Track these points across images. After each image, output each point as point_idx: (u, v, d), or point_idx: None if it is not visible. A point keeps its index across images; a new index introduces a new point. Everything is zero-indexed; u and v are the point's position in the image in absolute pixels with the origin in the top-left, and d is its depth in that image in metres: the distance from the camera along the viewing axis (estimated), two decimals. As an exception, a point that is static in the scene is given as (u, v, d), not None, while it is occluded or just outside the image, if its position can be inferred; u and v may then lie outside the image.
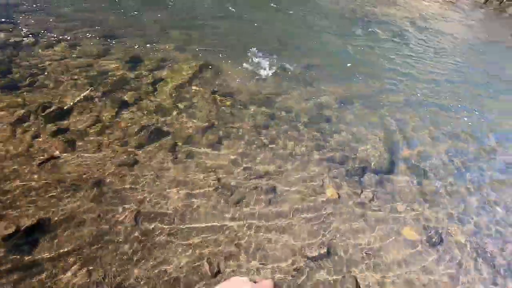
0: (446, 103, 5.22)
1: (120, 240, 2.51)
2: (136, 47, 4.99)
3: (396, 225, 3.07)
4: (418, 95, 5.28)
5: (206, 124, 3.81)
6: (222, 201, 2.98)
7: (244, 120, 4.01)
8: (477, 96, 5.70)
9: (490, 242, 3.10)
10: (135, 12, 6.07)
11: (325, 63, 5.60)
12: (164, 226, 2.67)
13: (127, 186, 2.93)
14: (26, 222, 2.45)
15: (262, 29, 6.40)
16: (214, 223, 2.78)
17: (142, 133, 3.51)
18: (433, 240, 2.96)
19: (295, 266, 2.59)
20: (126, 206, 2.76)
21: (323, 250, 2.72)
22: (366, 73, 5.59)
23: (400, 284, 2.61)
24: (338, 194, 3.26)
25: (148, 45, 5.09)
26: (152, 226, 2.65)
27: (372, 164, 3.69)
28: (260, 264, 2.56)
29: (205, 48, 5.33)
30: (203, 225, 2.76)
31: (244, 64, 5.09)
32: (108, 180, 2.93)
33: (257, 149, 3.63)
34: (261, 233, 2.78)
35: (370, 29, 7.32)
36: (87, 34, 5.06)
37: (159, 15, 6.11)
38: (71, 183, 2.83)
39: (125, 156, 3.20)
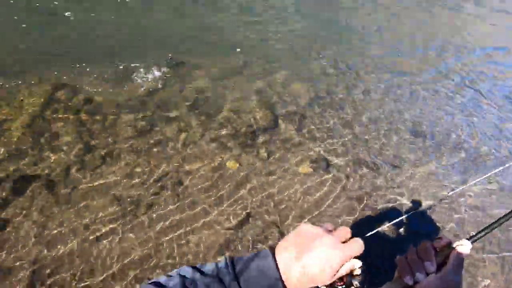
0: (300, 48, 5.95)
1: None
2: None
3: (292, 167, 3.49)
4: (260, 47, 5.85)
5: (81, 150, 3.40)
6: (131, 219, 2.80)
7: (122, 131, 3.73)
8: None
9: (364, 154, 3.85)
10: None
11: (182, 50, 5.58)
12: (69, 272, 2.38)
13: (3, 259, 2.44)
14: None
15: (100, 23, 5.86)
16: (132, 243, 2.62)
17: (3, 185, 2.91)
18: (323, 167, 3.51)
19: (223, 240, 2.71)
20: (15, 277, 2.32)
21: (243, 216, 2.91)
22: (228, 44, 5.83)
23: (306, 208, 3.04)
24: (239, 162, 3.46)
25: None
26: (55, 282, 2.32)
27: (258, 125, 4.01)
28: (192, 247, 2.58)
29: (42, 63, 4.57)
30: (109, 249, 2.56)
31: (97, 70, 4.62)
32: (-24, 259, 2.37)
33: (148, 153, 3.48)
34: (181, 232, 2.77)
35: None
36: None
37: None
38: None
39: (-12, 223, 2.62)
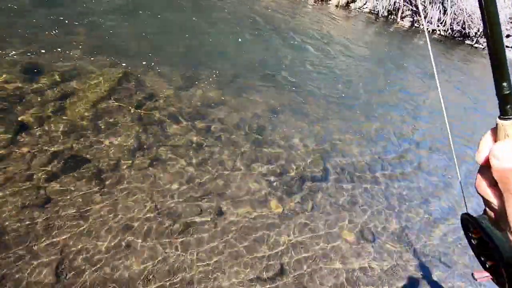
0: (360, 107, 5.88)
1: (37, 305, 2.00)
2: (31, 53, 4.12)
3: (336, 229, 3.27)
4: (336, 100, 5.80)
5: (134, 145, 3.39)
6: (164, 232, 2.68)
7: (176, 137, 3.71)
8: (380, 102, 6.60)
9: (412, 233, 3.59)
10: (25, 9, 5.02)
11: (251, 72, 5.66)
12: (94, 273, 2.25)
13: (39, 233, 2.36)
14: None
15: (182, 32, 6.09)
16: (157, 257, 2.47)
17: (54, 162, 2.90)
18: (368, 238, 3.27)
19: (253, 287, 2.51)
20: (42, 259, 2.22)
21: (277, 269, 2.71)
22: (287, 81, 5.86)
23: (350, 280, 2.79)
24: (282, 206, 3.30)
25: (48, 51, 4.26)
26: (78, 279, 2.20)
27: (308, 173, 3.87)
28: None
29: (120, 55, 4.75)
30: (144, 265, 2.42)
31: (170, 73, 4.73)
32: (11, 229, 2.31)
33: (194, 168, 3.40)
34: (211, 266, 2.60)
35: (283, 38, 7.74)
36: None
37: (57, 13, 5.19)
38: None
39: (32, 195, 2.58)
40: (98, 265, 2.31)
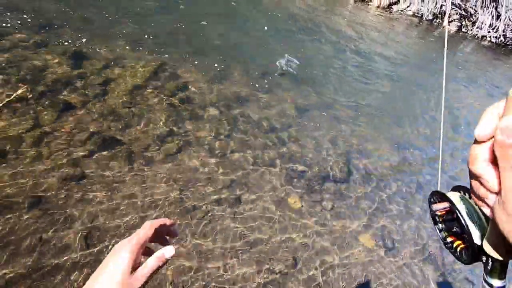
0: (388, 112, 5.68)
1: (67, 268, 2.20)
2: (80, 41, 4.47)
3: (354, 233, 3.22)
4: (366, 104, 5.65)
5: (164, 131, 3.57)
6: (185, 216, 2.81)
7: (205, 127, 3.85)
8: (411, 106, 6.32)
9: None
10: (76, 1, 5.44)
11: (283, 71, 5.67)
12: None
13: (73, 204, 2.59)
14: None
15: (218, 29, 6.24)
16: (175, 243, 2.60)
17: (91, 141, 3.15)
18: (387, 245, 3.18)
19: (263, 280, 2.56)
20: (73, 226, 2.43)
21: (290, 262, 2.73)
22: (319, 81, 5.81)
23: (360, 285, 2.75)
24: (301, 203, 3.31)
25: (94, 39, 4.59)
26: (103, 250, 2.38)
27: (331, 173, 3.83)
28: (232, 283, 2.47)
29: (161, 46, 5.00)
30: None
31: (203, 67, 4.89)
32: (49, 198, 2.55)
33: (219, 159, 3.51)
34: (229, 251, 2.68)
35: (320, 38, 7.64)
36: (19, 22, 4.37)
37: (107, 6, 5.57)
38: (2, 205, 2.40)
39: (70, 169, 2.82)
40: (122, 239, 2.48)
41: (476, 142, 0.39)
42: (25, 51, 3.93)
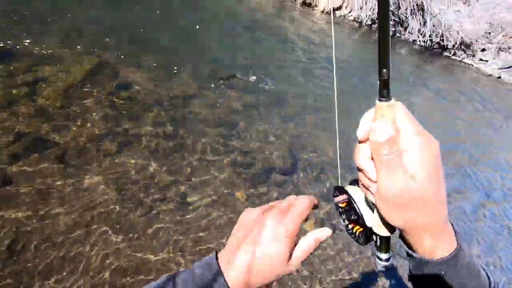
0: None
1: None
2: (6, 39, 4.09)
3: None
4: (312, 100, 5.97)
5: (103, 130, 3.42)
6: (126, 217, 2.72)
7: (148, 124, 3.76)
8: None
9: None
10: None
11: (230, 69, 5.76)
12: (46, 255, 2.27)
13: (-4, 209, 2.37)
14: None
15: (165, 25, 6.15)
16: (117, 245, 2.51)
17: (18, 143, 2.91)
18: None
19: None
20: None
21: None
22: (266, 81, 6.00)
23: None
24: (247, 195, 3.39)
25: (22, 37, 4.24)
26: (33, 256, 2.21)
27: (276, 166, 3.98)
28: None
29: (100, 44, 4.78)
30: (102, 250, 2.46)
31: (144, 63, 4.78)
32: (-35, 205, 2.31)
33: (163, 157, 3.46)
34: (173, 249, 2.66)
35: (264, 38, 7.91)
36: None
37: (36, 3, 5.17)
38: None
39: (-8, 173, 2.58)
40: (55, 247, 2.33)
41: (359, 142, 0.48)
42: None
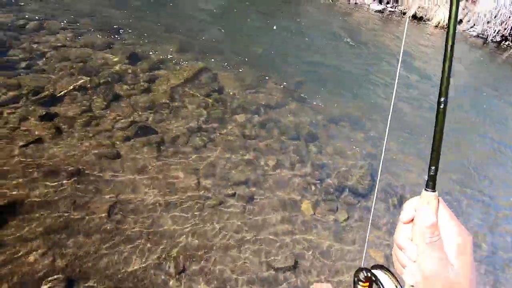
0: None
1: (91, 231, 2.53)
2: (137, 44, 5.09)
3: (362, 247, 3.11)
4: (405, 120, 5.40)
5: (195, 126, 3.87)
6: (199, 203, 3.01)
7: (233, 127, 4.08)
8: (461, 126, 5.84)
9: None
10: (141, 11, 6.20)
11: (317, 80, 5.73)
12: (136, 223, 2.69)
13: (106, 178, 2.96)
14: (-2, 201, 2.47)
15: (261, 41, 6.55)
16: (187, 226, 2.81)
17: (130, 128, 3.57)
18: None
19: (262, 275, 2.62)
20: (101, 197, 2.78)
21: (290, 262, 2.75)
22: (356, 93, 5.72)
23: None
24: (313, 210, 3.30)
25: (150, 43, 5.20)
26: (124, 221, 2.67)
27: (351, 185, 3.75)
28: (231, 272, 2.59)
29: (205, 52, 5.44)
30: (176, 227, 2.78)
31: (240, 71, 5.19)
32: (87, 170, 2.96)
33: (241, 157, 3.68)
34: (233, 241, 2.81)
35: (369, 54, 7.52)
36: (90, 27, 5.15)
37: (164, 16, 6.25)
38: (50, 169, 2.85)
39: (108, 149, 3.24)
40: (141, 215, 2.76)
41: (401, 223, 0.54)
42: (92, 49, 4.62)
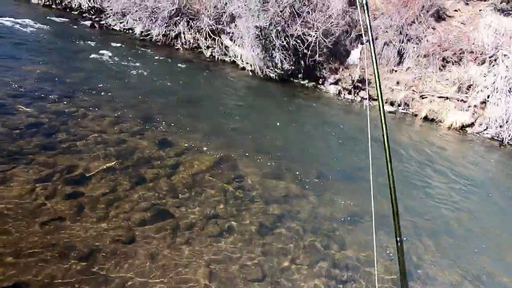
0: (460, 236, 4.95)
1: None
2: (168, 132, 5.55)
3: None
4: (438, 224, 5.10)
5: (212, 213, 3.84)
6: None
7: (252, 217, 4.00)
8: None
9: None
10: (175, 106, 6.96)
11: (339, 175, 5.78)
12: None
13: (116, 264, 2.84)
14: (3, 282, 2.37)
15: (282, 135, 6.98)
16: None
17: (149, 210, 3.59)
18: None
19: None
20: (108, 286, 2.62)
21: None
22: (381, 193, 5.63)
23: None
24: None
25: (179, 133, 5.65)
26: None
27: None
28: None
29: (229, 141, 5.79)
30: None
31: (260, 161, 5.37)
32: (100, 253, 2.88)
33: (258, 250, 3.50)
34: None
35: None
36: (130, 116, 5.76)
37: (195, 111, 6.95)
38: (63, 249, 2.80)
39: (124, 232, 3.20)
40: None
41: None
42: (126, 135, 5.05)
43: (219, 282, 2.95)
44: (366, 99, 10.83)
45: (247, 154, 5.57)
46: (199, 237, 3.45)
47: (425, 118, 11.02)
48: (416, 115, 11.20)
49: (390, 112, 11.05)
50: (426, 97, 11.34)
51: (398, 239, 0.53)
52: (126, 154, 4.51)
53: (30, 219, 3.03)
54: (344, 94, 11.04)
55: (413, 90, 11.32)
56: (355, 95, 11.06)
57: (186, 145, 5.27)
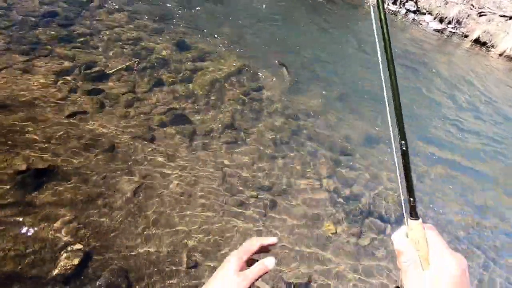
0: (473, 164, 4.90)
1: (115, 207, 2.60)
2: (187, 34, 5.20)
3: (380, 277, 2.91)
4: (454, 150, 5.01)
5: (229, 121, 3.87)
6: (220, 199, 3.00)
7: (267, 128, 4.02)
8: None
9: None
10: (196, 4, 6.33)
11: (362, 95, 5.49)
12: (157, 208, 2.73)
13: (137, 159, 3.03)
14: (37, 165, 2.62)
15: (313, 44, 6.41)
16: (206, 219, 2.80)
17: (167, 114, 3.64)
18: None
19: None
20: (130, 176, 2.86)
21: (304, 280, 2.65)
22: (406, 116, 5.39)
23: None
24: (336, 229, 3.15)
25: (199, 35, 5.28)
26: (146, 204, 2.72)
27: (381, 210, 3.54)
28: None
29: (252, 50, 5.43)
30: (195, 219, 2.78)
31: (281, 73, 5.11)
32: (122, 148, 3.06)
33: (270, 160, 3.62)
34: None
35: (419, 76, 7.09)
36: (146, 12, 5.34)
37: (218, 11, 6.33)
38: (88, 141, 2.98)
39: (144, 130, 3.32)
40: (163, 202, 2.80)
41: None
42: (144, 34, 4.78)
43: (229, 188, 3.15)
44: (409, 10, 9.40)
45: (269, 65, 5.26)
46: (216, 142, 3.55)
47: (476, 41, 9.72)
48: (466, 36, 9.88)
49: (436, 30, 9.74)
50: (484, 15, 9.74)
51: (402, 142, 0.51)
52: (142, 54, 4.35)
53: (56, 109, 3.16)
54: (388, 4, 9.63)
55: (472, 5, 9.65)
56: (400, 5, 9.62)
57: (204, 49, 4.98)
